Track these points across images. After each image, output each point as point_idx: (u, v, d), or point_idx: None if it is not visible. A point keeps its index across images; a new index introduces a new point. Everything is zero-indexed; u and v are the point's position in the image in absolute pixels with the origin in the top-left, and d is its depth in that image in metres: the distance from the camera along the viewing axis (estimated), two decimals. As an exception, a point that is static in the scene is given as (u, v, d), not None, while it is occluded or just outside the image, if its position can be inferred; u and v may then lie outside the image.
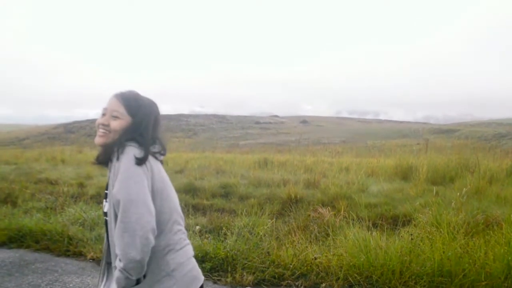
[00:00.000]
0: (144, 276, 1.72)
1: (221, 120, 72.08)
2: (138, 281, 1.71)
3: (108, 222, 1.79)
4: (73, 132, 59.74)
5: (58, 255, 5.23)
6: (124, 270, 1.64)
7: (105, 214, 1.86)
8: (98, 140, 1.84)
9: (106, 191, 1.88)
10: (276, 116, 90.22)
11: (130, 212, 1.62)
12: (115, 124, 1.82)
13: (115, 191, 1.67)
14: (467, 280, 3.77)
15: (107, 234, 1.87)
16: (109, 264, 1.96)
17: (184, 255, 1.86)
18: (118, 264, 1.67)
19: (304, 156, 14.09)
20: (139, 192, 1.65)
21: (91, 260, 4.99)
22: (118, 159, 1.72)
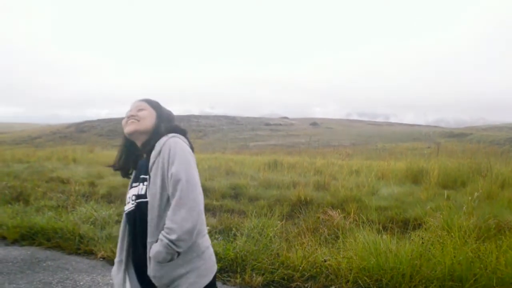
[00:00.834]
0: (178, 255, 1.87)
1: (231, 121, 72.10)
2: (171, 259, 1.86)
3: (150, 202, 1.91)
4: (85, 132, 60.21)
5: (69, 253, 5.28)
6: (174, 242, 1.79)
7: (140, 196, 1.99)
8: (129, 127, 2.06)
9: (143, 176, 2.01)
10: (286, 117, 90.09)
11: (189, 190, 1.83)
12: (143, 113, 2.08)
13: (175, 171, 1.85)
14: (478, 285, 3.73)
15: (140, 216, 1.98)
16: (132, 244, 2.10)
17: (208, 241, 2.08)
18: (166, 236, 1.81)
19: (314, 158, 14.07)
20: (195, 174, 1.90)
21: (101, 259, 5.03)
22: (168, 146, 1.92)
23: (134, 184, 2.08)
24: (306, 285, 4.14)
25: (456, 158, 11.66)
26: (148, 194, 1.93)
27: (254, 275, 4.30)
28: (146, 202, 1.93)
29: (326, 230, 5.55)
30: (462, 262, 3.88)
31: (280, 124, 70.73)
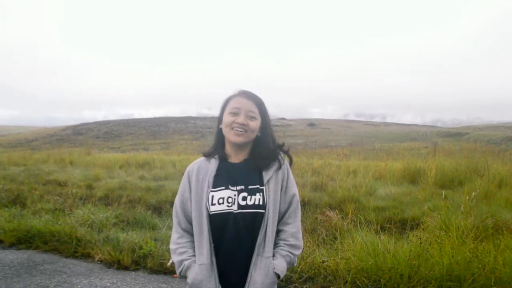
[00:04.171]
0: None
1: (228, 122, 71.80)
2: None
3: (271, 215, 1.92)
4: (81, 134, 60.07)
5: (67, 257, 5.26)
6: (296, 259, 1.98)
7: (257, 206, 1.92)
8: (237, 138, 1.96)
9: (253, 186, 1.94)
10: (284, 118, 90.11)
11: (299, 210, 2.08)
12: (254, 124, 1.97)
13: (296, 190, 2.06)
14: (476, 285, 3.73)
15: (245, 224, 1.90)
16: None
17: None
18: (293, 253, 1.97)
19: (312, 159, 14.04)
20: None
21: (99, 262, 5.01)
22: (283, 163, 2.03)
23: (220, 188, 1.93)
24: (304, 287, 4.12)
25: (453, 157, 11.68)
26: (270, 207, 1.92)
27: (252, 276, 4.27)
28: (262, 214, 1.91)
29: (324, 231, 5.55)
30: (460, 262, 3.88)
31: (277, 125, 70.71)
